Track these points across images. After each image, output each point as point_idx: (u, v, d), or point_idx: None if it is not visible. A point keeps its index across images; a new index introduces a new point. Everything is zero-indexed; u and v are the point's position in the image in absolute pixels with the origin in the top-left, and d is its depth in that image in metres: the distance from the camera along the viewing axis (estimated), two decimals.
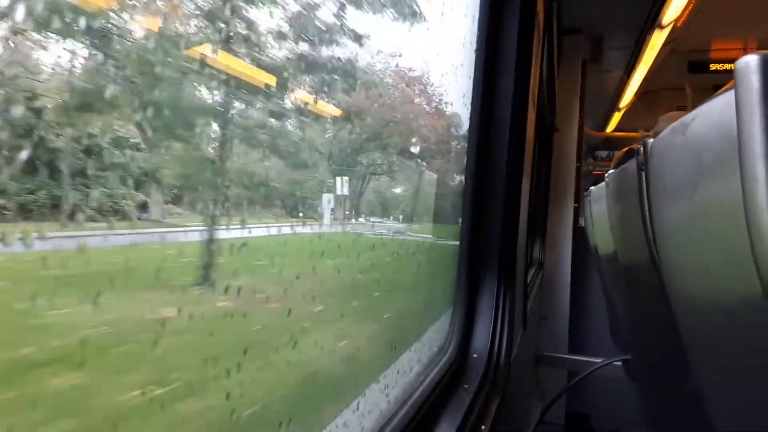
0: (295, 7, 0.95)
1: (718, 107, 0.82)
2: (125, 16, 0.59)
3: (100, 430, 0.50)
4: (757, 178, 0.72)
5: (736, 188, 0.74)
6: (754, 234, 0.73)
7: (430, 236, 1.62)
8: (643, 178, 1.25)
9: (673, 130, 1.02)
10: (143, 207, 0.64)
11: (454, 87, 1.33)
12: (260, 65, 0.83)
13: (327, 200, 1.17)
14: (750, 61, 0.75)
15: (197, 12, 0.69)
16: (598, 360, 2.61)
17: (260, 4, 0.85)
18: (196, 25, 0.70)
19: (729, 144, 0.76)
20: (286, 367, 0.80)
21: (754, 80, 0.74)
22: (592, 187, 2.31)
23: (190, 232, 0.74)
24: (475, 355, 1.19)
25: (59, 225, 0.51)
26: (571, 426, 3.47)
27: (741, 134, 0.74)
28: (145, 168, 0.65)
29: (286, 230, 0.85)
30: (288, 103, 1.07)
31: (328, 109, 1.18)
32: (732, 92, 0.76)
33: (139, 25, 0.62)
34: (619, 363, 2.45)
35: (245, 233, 0.73)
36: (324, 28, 1.03)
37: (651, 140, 1.18)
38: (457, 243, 1.41)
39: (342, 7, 1.06)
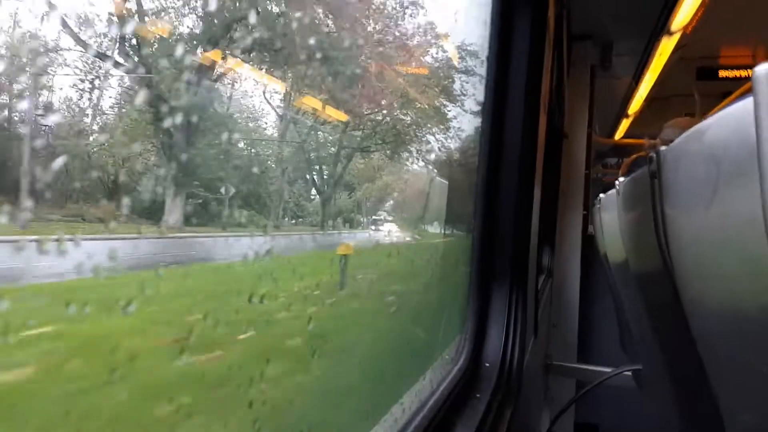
0: None
1: (736, 115, 0.81)
2: None
3: None
4: None
5: (755, 196, 0.73)
6: None
7: None
8: (656, 186, 1.24)
9: (688, 138, 1.01)
10: None
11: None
12: None
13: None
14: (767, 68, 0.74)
15: None
16: (608, 369, 2.58)
17: None
18: None
19: (748, 151, 0.75)
20: None
21: None
22: (602, 195, 2.29)
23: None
24: (487, 364, 1.18)
25: None
26: None
27: (759, 141, 0.73)
28: None
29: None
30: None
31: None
32: (749, 99, 0.75)
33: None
34: (629, 373, 2.43)
35: None
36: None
37: (664, 147, 1.17)
38: None
39: None
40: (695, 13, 3.35)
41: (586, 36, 3.60)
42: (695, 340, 1.11)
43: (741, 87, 0.79)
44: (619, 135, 6.61)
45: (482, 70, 1.33)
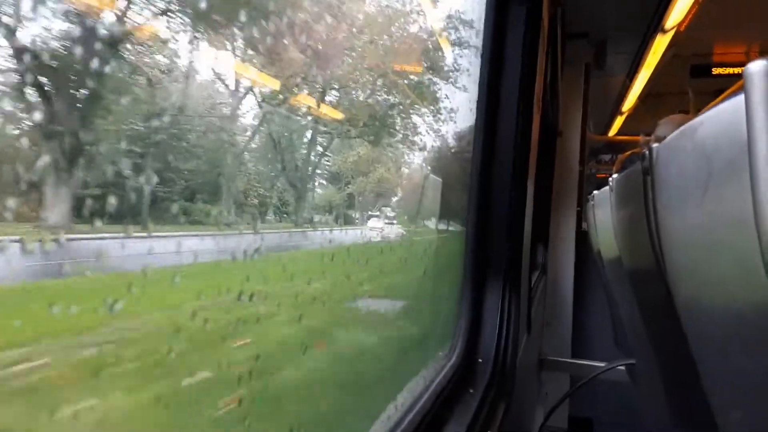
0: None
1: (727, 112, 0.82)
2: None
3: None
4: (766, 184, 0.72)
5: (746, 193, 0.74)
6: (763, 240, 0.73)
7: None
8: (649, 183, 1.25)
9: (680, 135, 1.02)
10: None
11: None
12: None
13: None
14: (759, 65, 0.74)
15: None
16: (602, 364, 2.60)
17: None
18: None
19: (738, 149, 0.75)
20: None
21: (763, 85, 0.74)
22: (596, 192, 2.30)
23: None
24: (480, 360, 1.19)
25: None
26: (575, 431, 3.46)
27: (750, 139, 0.73)
28: None
29: None
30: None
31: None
32: (741, 97, 0.76)
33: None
34: (623, 367, 2.45)
35: None
36: None
37: (656, 145, 1.18)
38: None
39: None
40: (689, 11, 3.36)
41: (580, 34, 3.61)
42: (687, 336, 1.12)
43: (734, 84, 0.79)
44: (613, 132, 6.64)
45: (476, 42, 1.30)
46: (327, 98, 1.01)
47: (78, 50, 0.52)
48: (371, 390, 0.98)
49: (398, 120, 1.20)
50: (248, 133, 0.85)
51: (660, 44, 3.82)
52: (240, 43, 0.75)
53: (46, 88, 0.50)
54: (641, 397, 2.23)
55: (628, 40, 3.83)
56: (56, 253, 0.47)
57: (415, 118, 1.25)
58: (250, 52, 0.78)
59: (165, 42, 0.62)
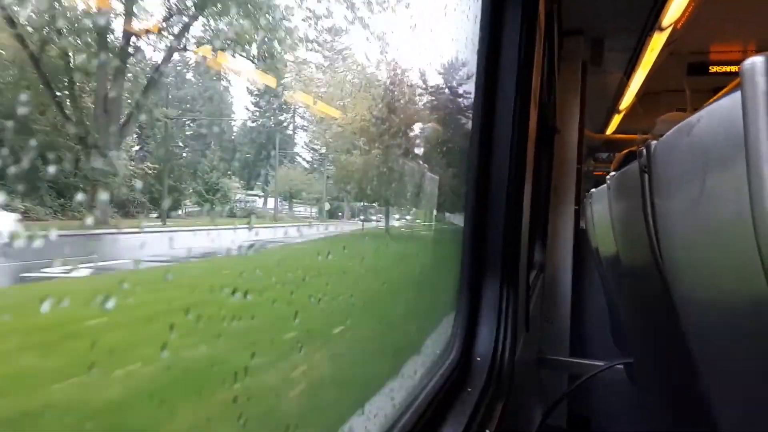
0: None
1: (724, 109, 0.82)
2: None
3: None
4: (763, 180, 0.72)
5: (743, 190, 0.73)
6: (761, 237, 0.72)
7: None
8: (646, 180, 1.24)
9: (677, 132, 1.01)
10: None
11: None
12: None
13: None
14: (756, 62, 0.74)
15: None
16: (600, 363, 2.60)
17: None
18: None
19: (735, 146, 0.75)
20: None
21: (760, 82, 0.73)
22: (594, 189, 2.30)
23: None
24: (478, 359, 1.18)
25: None
26: (573, 429, 3.46)
27: (747, 136, 0.73)
28: None
29: None
30: None
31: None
32: (737, 93, 0.76)
33: None
34: (621, 366, 2.45)
35: None
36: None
37: (654, 142, 1.18)
38: None
39: None
40: (686, 9, 3.36)
41: (577, 31, 3.61)
42: (685, 332, 1.12)
43: (731, 82, 0.79)
44: (610, 130, 6.64)
45: None
46: None
47: None
48: None
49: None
50: None
51: (657, 42, 3.83)
52: None
53: None
54: (640, 396, 2.23)
55: (625, 37, 3.83)
56: None
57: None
58: None
59: None
